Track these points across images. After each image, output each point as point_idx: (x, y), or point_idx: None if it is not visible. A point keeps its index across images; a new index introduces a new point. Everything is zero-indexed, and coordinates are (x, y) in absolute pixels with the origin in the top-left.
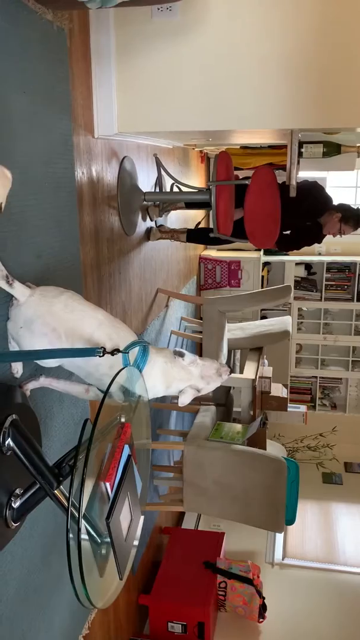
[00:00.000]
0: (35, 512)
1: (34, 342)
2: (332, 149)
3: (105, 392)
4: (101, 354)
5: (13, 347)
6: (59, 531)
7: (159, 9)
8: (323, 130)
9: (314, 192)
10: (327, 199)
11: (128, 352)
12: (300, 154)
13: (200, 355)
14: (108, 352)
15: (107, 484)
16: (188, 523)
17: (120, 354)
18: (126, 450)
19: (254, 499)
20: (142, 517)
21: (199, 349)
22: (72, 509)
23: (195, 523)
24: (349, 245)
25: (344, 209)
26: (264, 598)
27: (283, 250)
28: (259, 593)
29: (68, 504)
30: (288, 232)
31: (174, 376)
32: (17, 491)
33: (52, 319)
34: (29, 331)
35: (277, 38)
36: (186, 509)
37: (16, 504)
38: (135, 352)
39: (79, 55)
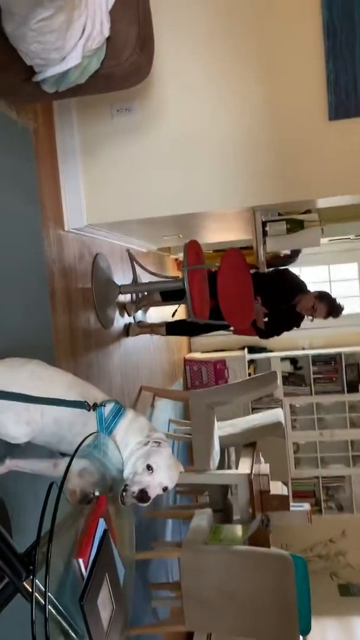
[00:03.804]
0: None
1: (1, 417)
2: (295, 225)
3: (75, 451)
4: (89, 409)
5: None
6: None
7: (117, 110)
8: (283, 204)
9: (286, 275)
10: (302, 282)
11: (105, 406)
12: (265, 233)
13: (191, 453)
14: (90, 407)
15: (81, 561)
16: None
17: (93, 413)
18: (101, 524)
19: (262, 605)
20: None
21: (190, 451)
22: (36, 594)
23: None
24: (332, 337)
25: (319, 291)
26: None
27: (264, 337)
28: None
29: (32, 590)
30: (266, 319)
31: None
32: None
33: (18, 389)
34: None
35: (231, 123)
36: (188, 628)
37: None
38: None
39: (45, 152)
